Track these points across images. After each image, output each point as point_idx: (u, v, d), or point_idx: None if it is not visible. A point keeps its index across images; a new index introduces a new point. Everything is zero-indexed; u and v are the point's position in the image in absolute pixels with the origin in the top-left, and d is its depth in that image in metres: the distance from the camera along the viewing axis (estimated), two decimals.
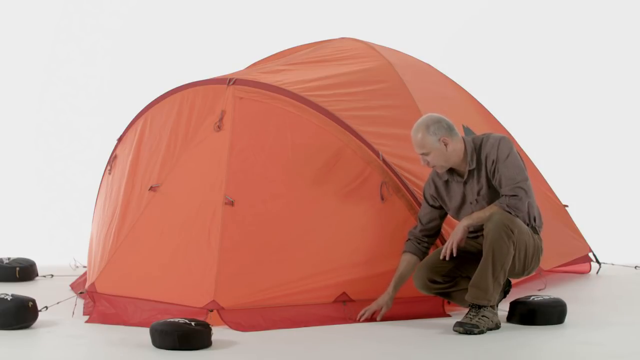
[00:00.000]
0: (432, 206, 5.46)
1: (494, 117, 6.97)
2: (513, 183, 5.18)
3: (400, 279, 5.44)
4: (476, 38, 9.92)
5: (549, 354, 4.85)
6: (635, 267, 7.32)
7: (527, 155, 7.00)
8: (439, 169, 5.33)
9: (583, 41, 9.91)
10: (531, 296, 5.52)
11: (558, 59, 9.94)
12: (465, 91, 6.94)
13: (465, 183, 5.33)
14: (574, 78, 9.81)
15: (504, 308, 5.47)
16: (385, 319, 5.46)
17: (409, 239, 5.49)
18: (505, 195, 5.17)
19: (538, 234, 5.36)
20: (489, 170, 5.26)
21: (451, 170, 5.36)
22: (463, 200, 5.36)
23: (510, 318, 5.44)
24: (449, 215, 5.52)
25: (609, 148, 9.70)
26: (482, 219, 5.19)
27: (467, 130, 6.41)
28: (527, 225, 5.27)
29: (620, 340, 5.10)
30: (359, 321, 5.43)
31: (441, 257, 5.25)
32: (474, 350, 4.86)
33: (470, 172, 5.31)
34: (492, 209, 5.18)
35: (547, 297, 5.49)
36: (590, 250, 7.14)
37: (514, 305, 5.46)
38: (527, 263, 5.27)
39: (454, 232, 5.23)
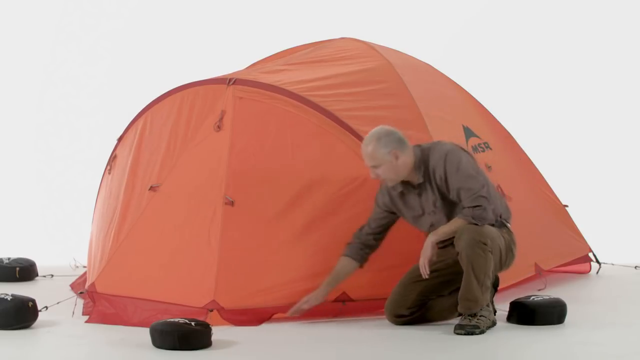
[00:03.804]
0: (384, 211, 5.39)
1: (494, 117, 6.97)
2: (472, 194, 5.11)
3: (334, 279, 5.37)
4: (476, 38, 9.91)
5: (549, 354, 4.85)
6: (635, 267, 7.32)
7: (527, 156, 7.00)
8: (389, 182, 5.25)
9: (583, 41, 9.90)
10: (531, 296, 5.51)
11: (558, 59, 9.93)
12: (465, 91, 6.93)
13: (419, 195, 5.28)
14: (574, 78, 9.80)
15: (504, 308, 5.47)
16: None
17: (353, 243, 5.41)
18: (469, 207, 5.11)
19: (507, 226, 5.32)
20: (438, 185, 5.20)
21: (405, 182, 5.28)
22: (422, 211, 5.31)
23: (510, 318, 5.43)
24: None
25: (609, 148, 9.69)
26: (448, 233, 5.14)
27: (467, 130, 6.40)
28: (495, 222, 5.24)
29: (620, 341, 5.10)
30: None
31: (425, 277, 5.19)
32: (474, 351, 4.86)
33: (421, 184, 5.25)
34: (458, 222, 5.12)
35: (547, 297, 5.49)
36: (590, 250, 7.14)
37: (514, 305, 5.46)
38: (502, 260, 5.26)
39: (424, 251, 5.16)
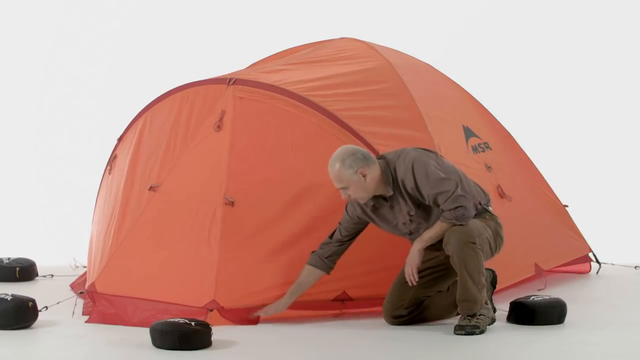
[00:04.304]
0: (356, 221, 5.36)
1: (494, 117, 6.97)
2: (449, 196, 5.07)
3: (298, 288, 5.34)
4: (476, 38, 9.92)
5: (548, 354, 4.85)
6: (635, 267, 7.32)
7: (527, 156, 6.99)
8: (361, 200, 5.21)
9: (583, 41, 9.90)
10: (531, 296, 5.51)
11: (558, 59, 9.93)
12: (465, 91, 6.93)
13: (392, 207, 5.25)
14: (574, 78, 9.80)
15: (504, 308, 5.47)
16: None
17: (319, 252, 5.36)
18: (449, 210, 5.08)
19: (488, 211, 5.31)
20: (411, 195, 5.18)
21: (375, 195, 5.24)
22: (396, 222, 5.28)
23: (510, 318, 5.43)
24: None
25: (609, 148, 9.70)
26: (434, 238, 5.14)
27: (467, 130, 6.40)
28: (476, 211, 5.21)
29: (620, 341, 5.10)
30: (252, 320, 5.35)
31: (410, 285, 5.20)
32: (474, 350, 4.86)
33: (392, 197, 5.22)
34: (442, 226, 5.10)
35: (547, 297, 5.49)
36: (590, 250, 7.14)
37: (513, 305, 5.45)
38: (493, 249, 5.26)
39: (410, 258, 5.17)
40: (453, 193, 5.08)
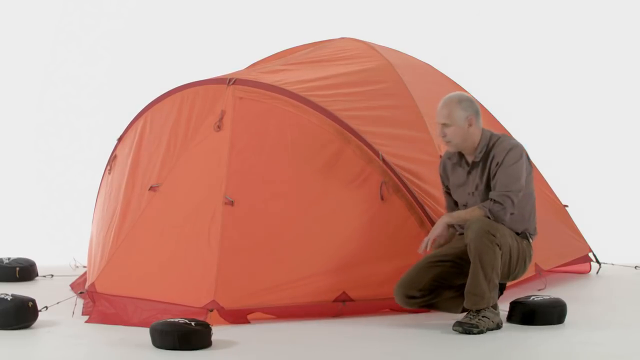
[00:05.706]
0: (447, 193, 5.50)
1: (494, 117, 6.96)
2: (504, 189, 5.19)
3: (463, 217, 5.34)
4: (476, 38, 9.92)
5: (548, 354, 4.86)
6: (635, 267, 7.32)
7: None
8: (452, 147, 5.34)
9: (583, 41, 9.90)
10: (531, 296, 5.52)
11: (558, 59, 9.93)
12: (465, 91, 6.92)
13: (469, 172, 5.36)
14: (574, 78, 9.80)
15: (504, 308, 5.46)
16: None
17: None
18: (492, 200, 5.19)
19: (528, 240, 5.37)
20: (491, 171, 5.28)
21: (461, 156, 5.38)
22: (463, 187, 5.38)
23: (510, 318, 5.44)
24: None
25: (609, 148, 9.70)
26: (463, 219, 5.24)
27: None
28: (519, 233, 5.29)
29: (620, 341, 5.10)
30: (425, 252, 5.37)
31: (419, 251, 5.28)
32: (474, 350, 4.86)
33: (475, 163, 5.33)
34: (474, 212, 5.21)
35: (547, 297, 5.49)
36: (590, 250, 7.14)
37: (514, 305, 5.46)
38: (512, 267, 5.28)
39: (434, 228, 5.30)
40: (508, 192, 5.19)
